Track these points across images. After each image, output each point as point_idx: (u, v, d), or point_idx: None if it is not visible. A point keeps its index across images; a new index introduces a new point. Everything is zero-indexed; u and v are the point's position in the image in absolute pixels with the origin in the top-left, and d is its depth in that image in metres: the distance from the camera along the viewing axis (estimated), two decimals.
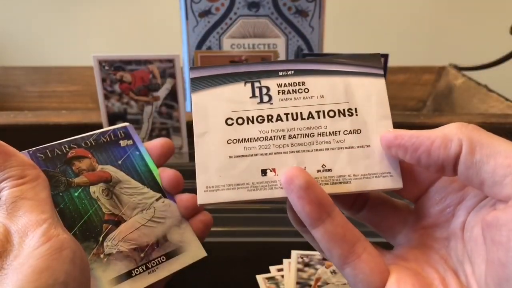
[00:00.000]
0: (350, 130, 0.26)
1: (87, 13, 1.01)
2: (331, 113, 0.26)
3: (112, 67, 0.50)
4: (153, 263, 0.31)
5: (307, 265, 0.44)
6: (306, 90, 0.26)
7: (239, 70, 0.27)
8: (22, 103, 0.80)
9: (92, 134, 0.34)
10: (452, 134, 0.22)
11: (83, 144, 0.33)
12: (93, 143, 0.34)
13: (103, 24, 1.03)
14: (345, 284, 0.41)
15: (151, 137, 0.53)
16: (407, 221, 0.27)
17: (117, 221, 0.32)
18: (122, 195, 0.33)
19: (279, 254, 0.47)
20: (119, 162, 0.34)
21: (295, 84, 0.26)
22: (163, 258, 0.32)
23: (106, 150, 0.34)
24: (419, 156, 0.23)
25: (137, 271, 0.31)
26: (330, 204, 0.23)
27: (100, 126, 0.53)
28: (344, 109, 0.26)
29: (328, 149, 0.25)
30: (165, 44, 0.82)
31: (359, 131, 0.26)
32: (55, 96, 0.81)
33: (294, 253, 0.46)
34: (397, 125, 0.26)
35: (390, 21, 1.02)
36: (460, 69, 0.80)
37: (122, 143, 0.35)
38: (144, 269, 0.31)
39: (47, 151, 0.32)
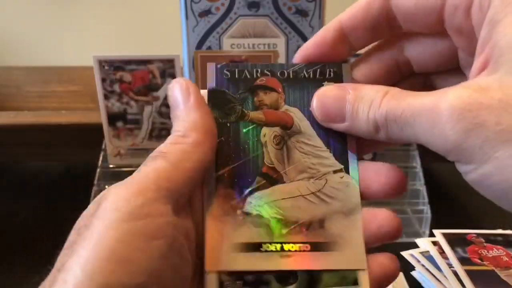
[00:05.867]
0: None
1: (87, 13, 1.01)
2: None
3: (112, 67, 0.50)
4: (291, 248, 0.24)
5: None
6: None
7: None
8: (22, 103, 0.80)
9: (294, 65, 0.27)
10: None
11: (278, 74, 0.27)
12: (291, 76, 0.27)
13: (103, 24, 1.03)
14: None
15: (151, 137, 0.53)
16: None
17: (275, 179, 0.25)
18: (294, 149, 0.26)
19: None
20: (310, 108, 0.26)
21: None
22: (306, 247, 0.24)
23: (302, 89, 0.27)
24: None
25: (267, 247, 0.24)
26: None
27: (100, 126, 0.53)
28: None
29: None
30: (165, 44, 0.82)
31: None
32: (55, 96, 0.81)
33: None
34: None
35: None
36: None
37: (326, 85, 0.27)
38: (275, 250, 0.24)
39: (236, 70, 0.27)
